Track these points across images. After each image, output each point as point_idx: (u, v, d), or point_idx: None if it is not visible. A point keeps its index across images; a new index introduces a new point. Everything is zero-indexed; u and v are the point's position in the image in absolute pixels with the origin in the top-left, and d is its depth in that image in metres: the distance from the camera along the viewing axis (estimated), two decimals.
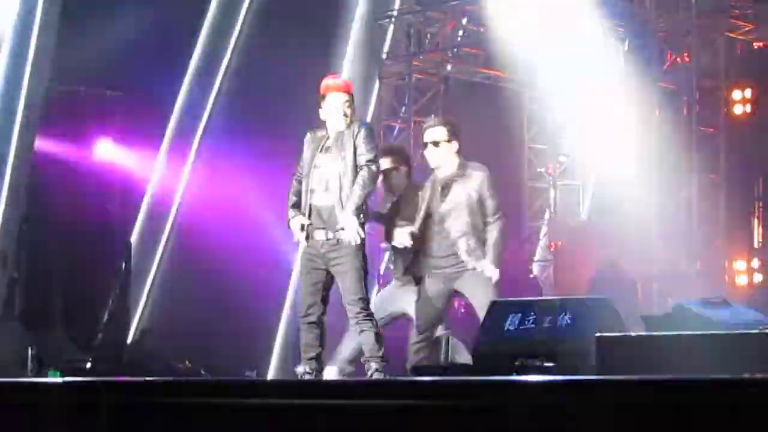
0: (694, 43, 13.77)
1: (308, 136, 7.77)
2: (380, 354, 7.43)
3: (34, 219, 13.45)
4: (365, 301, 7.45)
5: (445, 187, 8.06)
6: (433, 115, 8.88)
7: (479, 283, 7.78)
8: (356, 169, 7.45)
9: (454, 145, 8.04)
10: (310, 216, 7.55)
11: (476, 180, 8.02)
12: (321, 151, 7.55)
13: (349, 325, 7.82)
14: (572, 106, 15.65)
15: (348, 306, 7.50)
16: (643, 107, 13.96)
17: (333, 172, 7.48)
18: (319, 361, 7.56)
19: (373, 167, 7.49)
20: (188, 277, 15.01)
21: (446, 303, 8.06)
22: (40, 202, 13.56)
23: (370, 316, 7.45)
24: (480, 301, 7.62)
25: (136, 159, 15.31)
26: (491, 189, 8.02)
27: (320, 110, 7.70)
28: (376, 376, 7.34)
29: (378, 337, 7.44)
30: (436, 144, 8.00)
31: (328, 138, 7.61)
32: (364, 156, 7.45)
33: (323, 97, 7.65)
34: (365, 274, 7.48)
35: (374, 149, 7.52)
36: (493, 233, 7.88)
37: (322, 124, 7.72)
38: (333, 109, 7.62)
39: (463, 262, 7.81)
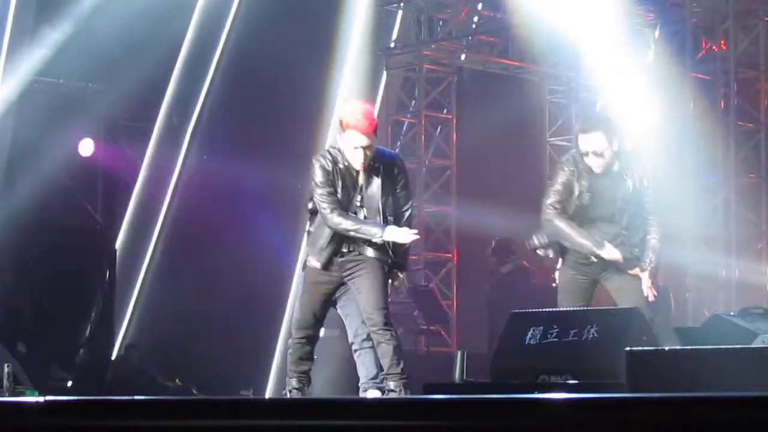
0: (732, 30, 13.76)
1: (325, 162, 7.69)
2: (399, 371, 7.46)
3: (9, 225, 13.48)
4: (383, 312, 7.49)
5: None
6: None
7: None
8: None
9: (616, 144, 7.90)
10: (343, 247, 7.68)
11: None
12: (357, 192, 7.59)
13: (356, 347, 7.89)
14: (598, 99, 15.64)
15: (365, 317, 7.56)
16: (675, 100, 13.95)
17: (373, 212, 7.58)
18: (309, 377, 7.76)
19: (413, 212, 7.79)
20: (178, 287, 15.01)
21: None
22: (15, 206, 13.58)
23: (388, 327, 7.50)
24: None
25: (121, 158, 15.32)
26: None
27: (339, 137, 7.64)
28: (393, 396, 7.37)
29: (397, 350, 7.48)
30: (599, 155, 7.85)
31: (357, 173, 7.59)
32: (407, 202, 7.67)
33: (343, 128, 7.55)
34: (385, 285, 7.59)
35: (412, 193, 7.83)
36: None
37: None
38: (353, 149, 7.55)
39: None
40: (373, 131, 7.50)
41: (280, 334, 14.99)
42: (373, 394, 7.74)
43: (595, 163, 7.80)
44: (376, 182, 7.53)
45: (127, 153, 15.47)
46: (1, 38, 14.31)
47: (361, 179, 7.56)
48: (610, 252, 7.74)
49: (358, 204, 7.54)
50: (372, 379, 7.93)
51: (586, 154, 7.80)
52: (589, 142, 7.80)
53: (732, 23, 13.72)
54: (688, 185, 13.58)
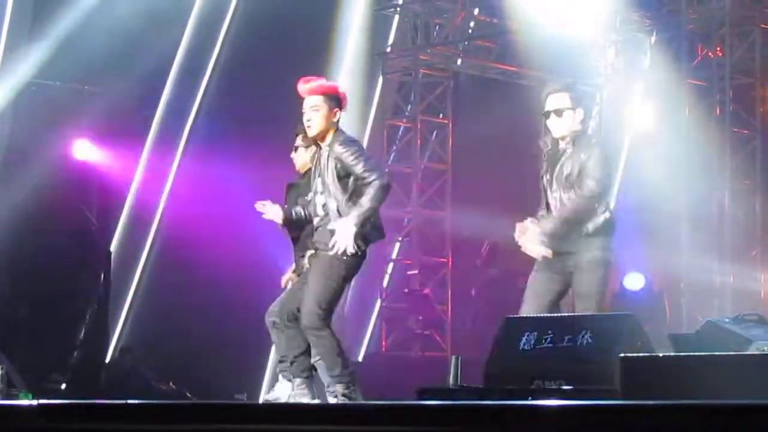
0: (728, 36, 13.77)
1: (302, 146, 7.73)
2: (344, 373, 7.25)
3: (4, 225, 13.47)
4: (323, 313, 7.22)
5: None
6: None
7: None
8: (349, 190, 7.29)
9: (580, 113, 7.65)
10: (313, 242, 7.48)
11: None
12: (318, 175, 7.44)
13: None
14: (595, 104, 15.66)
15: (302, 313, 7.31)
16: (671, 106, 13.95)
17: (332, 203, 7.33)
18: (305, 361, 7.42)
19: (378, 182, 7.24)
20: (172, 290, 15.00)
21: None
22: (10, 207, 13.57)
23: (322, 330, 7.23)
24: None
25: (116, 160, 15.31)
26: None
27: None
28: (343, 401, 7.18)
29: (336, 357, 7.25)
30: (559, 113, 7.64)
31: (320, 156, 7.46)
32: (362, 174, 7.24)
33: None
34: (338, 287, 7.28)
35: (363, 162, 7.24)
36: None
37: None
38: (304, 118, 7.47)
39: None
40: (316, 93, 7.36)
41: None
42: (280, 384, 7.65)
43: (555, 124, 7.66)
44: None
45: (122, 155, 15.46)
46: None
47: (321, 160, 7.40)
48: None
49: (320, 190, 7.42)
50: (280, 362, 7.78)
51: (548, 115, 7.68)
52: (554, 100, 7.67)
53: (728, 30, 13.72)
54: (684, 191, 13.58)
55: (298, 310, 7.37)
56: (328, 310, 7.24)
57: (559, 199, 7.64)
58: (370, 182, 7.22)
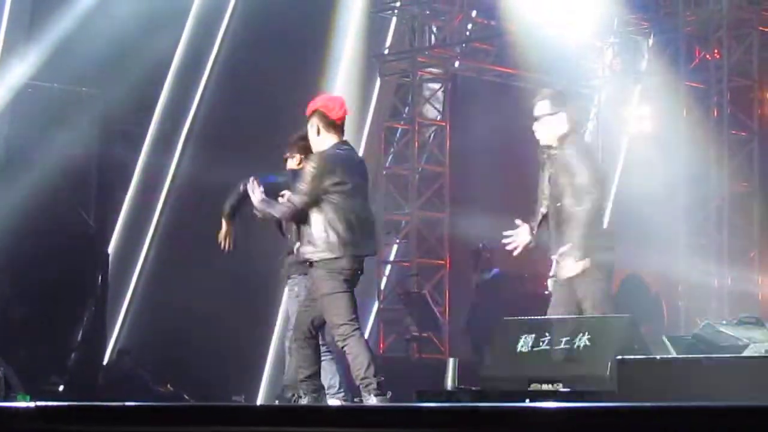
0: (725, 39, 13.78)
1: None
2: (372, 375, 7.42)
3: (2, 228, 13.46)
4: (349, 324, 7.51)
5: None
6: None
7: None
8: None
9: (561, 116, 7.81)
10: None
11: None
12: None
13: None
14: (593, 106, 15.67)
15: (333, 335, 7.67)
16: (669, 108, 13.97)
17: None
18: (315, 384, 7.64)
19: (291, 203, 7.66)
20: (170, 292, 14.99)
21: None
22: (9, 210, 13.56)
23: (348, 337, 7.48)
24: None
25: (114, 162, 15.29)
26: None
27: None
28: (373, 399, 7.36)
29: (366, 359, 7.45)
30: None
31: None
32: (296, 190, 7.65)
33: None
34: (345, 296, 7.57)
35: (304, 183, 7.60)
36: None
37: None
38: None
39: None
40: (308, 113, 7.73)
41: (272, 340, 14.98)
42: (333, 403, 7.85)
43: (538, 131, 7.83)
44: None
45: (121, 156, 15.44)
46: None
47: None
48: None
49: None
50: (330, 387, 8.04)
51: (533, 123, 7.83)
52: (536, 108, 7.83)
53: (725, 32, 13.74)
54: (681, 193, 13.59)
55: (312, 324, 7.65)
56: (351, 319, 7.51)
57: (553, 210, 7.69)
58: (293, 197, 7.68)
